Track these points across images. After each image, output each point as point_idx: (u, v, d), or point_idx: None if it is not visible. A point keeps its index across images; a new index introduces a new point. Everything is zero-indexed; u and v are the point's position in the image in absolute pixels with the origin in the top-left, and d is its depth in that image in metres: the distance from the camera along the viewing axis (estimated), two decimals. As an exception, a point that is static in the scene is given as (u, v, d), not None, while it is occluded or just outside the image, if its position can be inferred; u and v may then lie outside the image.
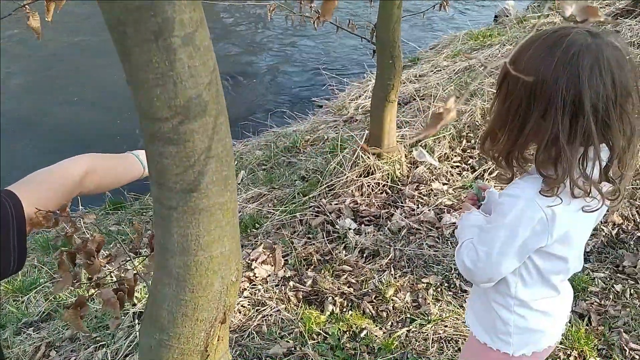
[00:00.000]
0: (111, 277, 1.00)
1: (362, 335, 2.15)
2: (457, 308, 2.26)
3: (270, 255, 2.55)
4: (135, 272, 0.87)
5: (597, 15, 0.56)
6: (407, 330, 2.16)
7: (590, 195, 1.03)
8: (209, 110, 0.63)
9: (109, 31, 0.60)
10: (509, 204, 1.09)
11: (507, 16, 6.97)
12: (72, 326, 0.96)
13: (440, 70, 5.20)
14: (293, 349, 2.13)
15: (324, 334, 2.19)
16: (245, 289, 2.50)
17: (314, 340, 2.16)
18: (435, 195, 2.93)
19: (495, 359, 1.31)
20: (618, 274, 2.35)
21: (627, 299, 2.23)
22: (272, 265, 2.63)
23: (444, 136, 3.31)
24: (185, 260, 0.72)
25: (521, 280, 1.21)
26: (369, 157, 3.11)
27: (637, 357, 2.01)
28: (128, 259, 1.04)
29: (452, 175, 3.11)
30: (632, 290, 2.26)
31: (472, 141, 3.40)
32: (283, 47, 6.96)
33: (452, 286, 2.38)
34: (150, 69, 0.59)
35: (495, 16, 7.41)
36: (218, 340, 0.81)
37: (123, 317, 2.26)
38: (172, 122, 0.62)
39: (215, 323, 0.79)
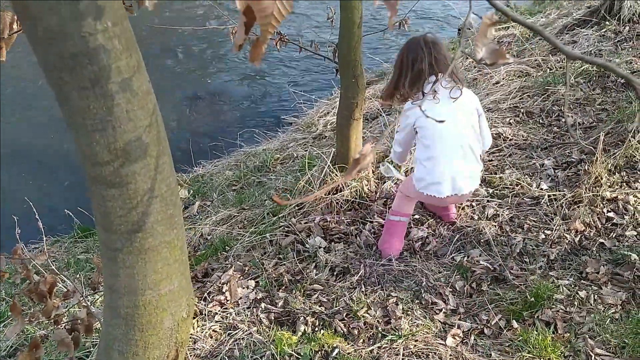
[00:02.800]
0: (68, 315, 0.99)
1: (333, 354, 2.15)
2: (428, 322, 2.28)
3: (239, 279, 2.54)
4: (88, 311, 0.87)
5: (504, 58, 0.59)
6: (378, 347, 2.17)
7: (436, 95, 2.39)
8: (149, 151, 0.64)
9: (45, 75, 0.61)
10: (400, 120, 2.60)
11: (469, 29, 7.12)
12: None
13: (406, 84, 5.26)
14: (265, 372, 2.12)
15: (296, 355, 2.18)
16: (216, 313, 2.48)
17: (286, 362, 2.16)
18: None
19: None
20: (582, 281, 2.40)
21: (591, 304, 2.29)
22: (244, 288, 2.63)
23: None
24: (133, 300, 0.72)
25: (417, 147, 2.53)
26: (336, 175, 3.14)
27: (602, 362, 2.05)
28: (86, 295, 1.04)
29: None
30: (595, 296, 2.32)
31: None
32: (250, 67, 6.98)
33: (422, 300, 2.40)
34: (89, 114, 0.60)
35: (458, 29, 7.57)
36: (172, 377, 0.82)
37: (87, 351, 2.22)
38: (113, 165, 0.63)
39: (168, 360, 0.79)
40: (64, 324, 0.87)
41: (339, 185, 3.13)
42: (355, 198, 3.08)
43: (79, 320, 0.86)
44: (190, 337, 2.36)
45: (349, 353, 2.16)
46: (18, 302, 0.85)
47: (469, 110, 2.45)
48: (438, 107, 2.38)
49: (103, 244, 0.70)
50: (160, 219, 0.69)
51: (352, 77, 2.91)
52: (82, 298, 1.13)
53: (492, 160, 3.33)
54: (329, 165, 3.18)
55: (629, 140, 3.03)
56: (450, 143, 2.42)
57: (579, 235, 2.65)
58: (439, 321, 2.31)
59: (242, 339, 2.32)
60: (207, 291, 2.62)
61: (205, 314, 2.48)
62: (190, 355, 2.27)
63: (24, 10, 0.59)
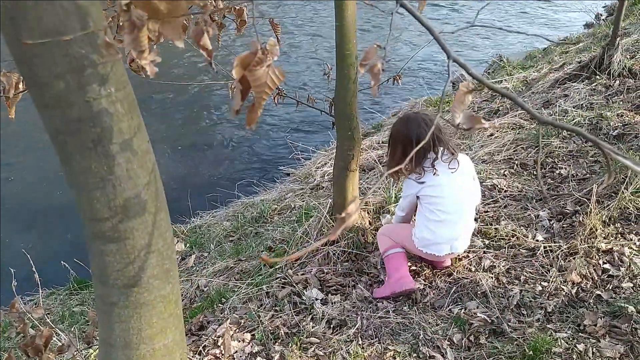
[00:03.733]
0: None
1: (330, 410, 2.12)
2: (425, 376, 2.25)
3: (234, 332, 2.52)
4: (83, 365, 0.87)
5: (480, 123, 0.63)
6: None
7: (435, 169, 2.59)
8: (148, 208, 0.67)
9: (50, 137, 0.64)
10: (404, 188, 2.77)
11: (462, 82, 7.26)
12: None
13: (402, 136, 5.34)
14: None
15: (292, 411, 2.14)
16: (211, 368, 2.45)
17: (282, 418, 2.11)
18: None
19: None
20: (580, 333, 2.39)
21: (590, 358, 2.26)
22: (239, 341, 2.60)
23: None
24: (127, 354, 0.73)
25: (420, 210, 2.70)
26: (333, 226, 3.15)
27: (603, 417, 2.02)
28: (80, 349, 1.04)
29: (416, 240, 3.16)
30: (594, 349, 2.29)
31: (434, 206, 3.48)
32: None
33: (419, 354, 2.37)
34: (90, 173, 0.63)
35: (453, 84, 7.75)
36: None
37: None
38: (112, 222, 0.65)
39: (161, 415, 0.79)
40: (57, 379, 0.88)
41: (336, 236, 3.14)
42: (352, 249, 3.08)
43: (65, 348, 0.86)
44: (184, 393, 2.32)
45: (345, 409, 2.12)
46: (13, 356, 0.85)
47: (466, 176, 2.65)
48: (438, 179, 2.58)
49: (99, 298, 0.71)
50: (156, 273, 0.71)
51: (348, 130, 2.97)
52: (76, 352, 1.13)
53: (487, 212, 3.35)
54: (325, 217, 3.20)
55: (622, 192, 3.07)
56: (452, 210, 2.61)
57: (576, 287, 2.65)
58: (437, 375, 2.27)
59: (237, 394, 2.28)
60: (202, 345, 2.59)
61: (200, 368, 2.45)
62: (184, 412, 2.22)
63: (32, 77, 0.63)
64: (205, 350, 2.55)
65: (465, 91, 0.70)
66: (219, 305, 2.88)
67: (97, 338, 0.76)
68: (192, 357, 2.52)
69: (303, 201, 4.22)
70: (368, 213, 3.36)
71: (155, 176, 0.69)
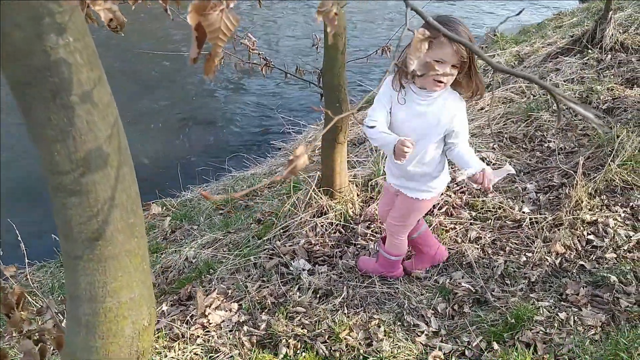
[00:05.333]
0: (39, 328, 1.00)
1: (314, 376, 2.15)
2: (409, 344, 2.28)
3: (222, 302, 2.54)
4: (55, 323, 0.88)
5: (434, 69, 0.63)
6: None
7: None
8: (110, 161, 0.67)
9: (10, 89, 0.64)
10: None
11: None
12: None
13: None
14: (245, 395, 2.11)
15: (277, 378, 2.17)
16: (198, 336, 2.47)
17: (267, 384, 2.15)
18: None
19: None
20: (562, 302, 2.42)
21: (571, 326, 2.30)
22: (226, 311, 2.62)
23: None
24: (93, 307, 0.74)
25: None
26: (321, 198, 3.16)
27: (582, 383, 2.06)
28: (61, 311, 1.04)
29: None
30: (575, 317, 2.33)
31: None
32: (240, 92, 7.07)
33: (404, 322, 2.40)
34: (50, 125, 0.63)
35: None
36: (133, 386, 0.83)
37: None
38: (74, 175, 0.65)
39: (129, 369, 0.81)
40: (30, 335, 0.88)
41: (323, 209, 3.16)
42: (340, 221, 3.10)
43: (45, 333, 0.87)
44: (171, 360, 2.35)
45: (329, 375, 2.16)
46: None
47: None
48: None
49: (64, 252, 0.71)
50: (120, 227, 0.71)
51: (336, 102, 2.96)
52: (56, 313, 1.14)
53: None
54: (314, 189, 3.21)
55: (609, 164, 3.09)
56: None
57: (560, 258, 2.68)
58: (421, 343, 2.31)
59: (224, 362, 2.31)
60: (190, 314, 2.61)
61: (187, 338, 2.47)
62: (171, 379, 2.25)
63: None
64: (193, 320, 2.57)
65: (421, 38, 0.70)
66: (207, 276, 2.90)
67: (66, 294, 0.77)
68: (180, 326, 2.55)
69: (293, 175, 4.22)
70: (356, 186, 3.37)
71: (118, 130, 0.68)
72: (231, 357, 2.33)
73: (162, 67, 7.49)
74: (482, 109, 4.61)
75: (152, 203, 4.44)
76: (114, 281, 0.73)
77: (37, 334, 0.88)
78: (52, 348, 0.99)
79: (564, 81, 4.73)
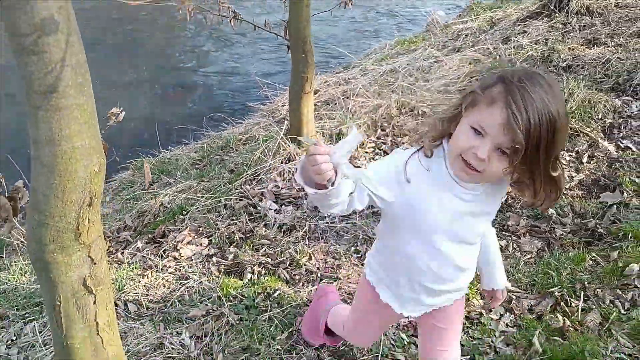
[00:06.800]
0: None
1: (275, 295, 2.36)
2: (362, 268, 2.50)
3: (193, 238, 2.72)
4: (25, 183, 1.06)
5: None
6: (316, 288, 2.38)
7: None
8: (61, 28, 0.84)
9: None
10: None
11: (438, 23, 7.38)
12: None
13: (367, 73, 5.51)
14: (211, 310, 2.32)
15: (241, 297, 2.38)
16: (170, 267, 2.67)
17: (231, 302, 2.36)
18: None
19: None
20: (503, 232, 2.65)
21: (509, 252, 2.53)
22: (197, 245, 2.82)
23: (359, 125, 3.59)
24: (52, 150, 0.92)
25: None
26: (289, 146, 3.35)
27: (514, 297, 2.29)
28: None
29: (366, 160, 3.38)
30: (514, 244, 2.56)
31: (387, 130, 3.69)
32: (218, 56, 7.20)
33: (357, 249, 2.62)
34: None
35: (427, 25, 7.85)
36: (89, 222, 1.01)
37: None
38: (33, 37, 0.83)
39: (84, 206, 0.99)
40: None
41: (291, 156, 3.34)
42: (306, 167, 3.29)
43: (17, 191, 1.05)
44: (144, 286, 2.55)
45: (289, 294, 2.37)
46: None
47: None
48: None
49: (28, 105, 0.89)
50: (71, 84, 0.88)
51: (302, 52, 3.13)
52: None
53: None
54: (282, 137, 3.39)
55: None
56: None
57: (507, 195, 2.89)
58: (374, 268, 2.52)
59: (193, 286, 2.51)
60: (163, 249, 2.80)
61: (160, 268, 2.67)
62: (144, 301, 2.45)
63: None
64: (166, 254, 2.77)
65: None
66: (180, 216, 3.08)
67: (30, 142, 0.94)
68: (154, 259, 2.74)
69: (267, 131, 4.39)
70: (324, 136, 3.55)
71: (67, 5, 0.86)
72: (200, 282, 2.53)
73: (141, 34, 7.58)
74: (450, 68, 4.79)
75: (145, 160, 4.59)
76: (67, 128, 0.91)
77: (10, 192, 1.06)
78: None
79: (529, 42, 4.92)
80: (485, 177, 1.23)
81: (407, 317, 1.64)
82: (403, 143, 3.54)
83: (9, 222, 1.07)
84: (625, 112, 3.56)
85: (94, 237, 1.03)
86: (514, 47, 4.96)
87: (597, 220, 2.66)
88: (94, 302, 1.09)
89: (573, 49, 4.59)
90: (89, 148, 0.95)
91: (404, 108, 4.01)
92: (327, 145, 1.14)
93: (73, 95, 0.89)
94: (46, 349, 2.19)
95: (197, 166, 4.30)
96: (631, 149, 3.18)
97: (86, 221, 1.00)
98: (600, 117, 3.47)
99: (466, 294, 1.65)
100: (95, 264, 1.05)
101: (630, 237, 2.50)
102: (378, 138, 3.60)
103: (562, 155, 3.11)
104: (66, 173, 0.94)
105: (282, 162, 3.31)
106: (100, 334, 1.15)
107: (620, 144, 3.22)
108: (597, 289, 2.30)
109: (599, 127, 3.37)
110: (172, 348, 2.17)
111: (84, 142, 0.94)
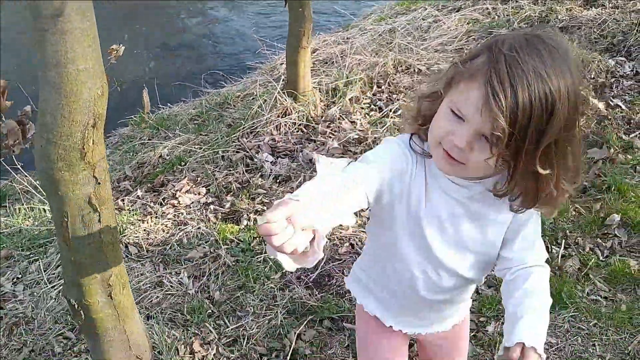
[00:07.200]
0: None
1: (269, 239, 2.46)
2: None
3: (191, 187, 2.81)
4: (33, 108, 1.13)
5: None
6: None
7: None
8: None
9: None
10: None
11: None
12: None
13: (366, 32, 5.51)
14: (208, 252, 2.42)
15: (237, 241, 2.49)
16: (168, 214, 2.77)
17: (228, 245, 2.46)
18: (344, 131, 3.26)
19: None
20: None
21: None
22: (195, 194, 2.91)
23: (355, 81, 3.64)
24: (59, 71, 0.99)
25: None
26: (286, 100, 3.41)
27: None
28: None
29: (362, 115, 3.45)
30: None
31: (382, 87, 3.75)
32: (218, 16, 7.19)
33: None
34: None
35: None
36: (93, 143, 1.09)
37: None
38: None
39: (88, 127, 1.06)
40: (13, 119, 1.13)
41: (287, 110, 3.41)
42: (302, 121, 3.35)
43: (25, 115, 1.12)
44: (144, 231, 2.65)
45: (282, 239, 2.47)
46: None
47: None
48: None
49: (35, 28, 0.96)
50: (75, 9, 0.95)
51: (299, 6, 3.16)
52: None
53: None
54: (279, 92, 3.45)
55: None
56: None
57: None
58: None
59: (191, 231, 2.61)
60: (162, 197, 2.89)
61: (159, 215, 2.76)
62: (144, 244, 2.55)
63: None
64: (165, 201, 2.86)
65: None
66: (179, 167, 3.16)
67: (37, 65, 1.01)
68: (153, 206, 2.84)
69: (265, 88, 4.44)
70: (320, 92, 3.61)
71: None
72: (198, 227, 2.63)
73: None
74: (448, 27, 4.81)
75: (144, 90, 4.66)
76: (72, 51, 0.98)
77: (18, 117, 1.13)
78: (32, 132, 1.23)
79: (528, 2, 4.91)
80: (471, 170, 0.99)
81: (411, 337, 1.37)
82: (398, 100, 3.60)
83: (18, 145, 1.14)
84: (618, 72, 3.61)
85: (98, 158, 1.11)
86: (512, 7, 4.96)
87: (583, 175, 2.74)
88: (99, 220, 1.18)
89: (571, 10, 4.59)
90: (92, 71, 1.02)
91: (401, 66, 4.05)
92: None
93: (77, 19, 0.95)
94: (50, 286, 2.30)
95: (195, 121, 4.36)
96: (621, 107, 3.24)
97: (91, 142, 1.08)
98: (592, 76, 3.52)
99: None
100: (99, 183, 1.14)
101: (614, 189, 2.59)
102: (374, 94, 3.66)
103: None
104: (72, 94, 1.01)
105: (278, 116, 3.38)
106: (104, 251, 1.24)
107: (611, 102, 3.28)
108: (578, 237, 2.40)
109: (590, 86, 3.42)
110: (171, 286, 2.28)
111: (87, 65, 1.00)
